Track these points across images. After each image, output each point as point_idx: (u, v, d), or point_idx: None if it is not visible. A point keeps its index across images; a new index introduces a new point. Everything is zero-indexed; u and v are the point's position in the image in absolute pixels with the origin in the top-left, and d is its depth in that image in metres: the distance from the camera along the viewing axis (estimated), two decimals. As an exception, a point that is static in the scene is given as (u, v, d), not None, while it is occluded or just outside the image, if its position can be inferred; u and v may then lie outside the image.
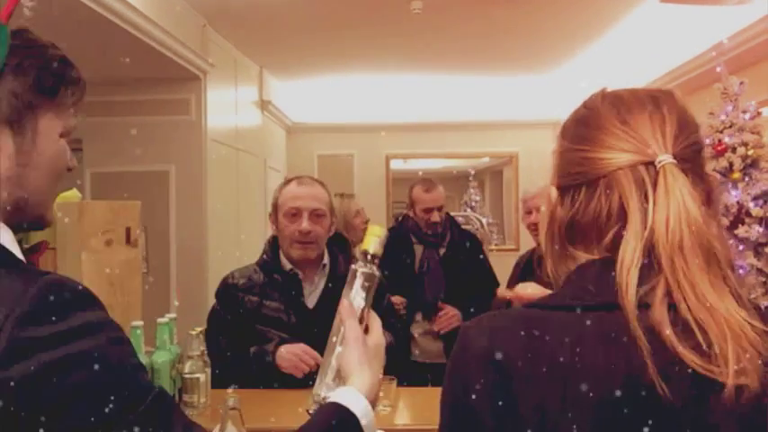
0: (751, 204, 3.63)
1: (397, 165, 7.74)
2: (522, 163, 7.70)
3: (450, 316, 3.37)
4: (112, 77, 4.42)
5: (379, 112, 7.49)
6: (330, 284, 2.29)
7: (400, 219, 3.74)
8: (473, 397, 0.76)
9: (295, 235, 2.25)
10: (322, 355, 2.09)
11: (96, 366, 0.75)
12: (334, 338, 1.03)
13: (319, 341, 2.15)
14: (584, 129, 0.88)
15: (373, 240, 1.06)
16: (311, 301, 2.28)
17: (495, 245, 7.21)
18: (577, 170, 0.85)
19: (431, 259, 3.41)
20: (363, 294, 1.03)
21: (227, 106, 5.48)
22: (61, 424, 0.72)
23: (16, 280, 0.76)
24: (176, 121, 4.91)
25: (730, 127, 3.75)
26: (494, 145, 7.81)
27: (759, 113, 3.82)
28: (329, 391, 0.97)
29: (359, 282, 1.04)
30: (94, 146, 4.76)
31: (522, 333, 0.77)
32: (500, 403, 0.74)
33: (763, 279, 3.59)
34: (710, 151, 3.83)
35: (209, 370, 2.00)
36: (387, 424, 1.87)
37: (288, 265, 2.29)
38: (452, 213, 3.73)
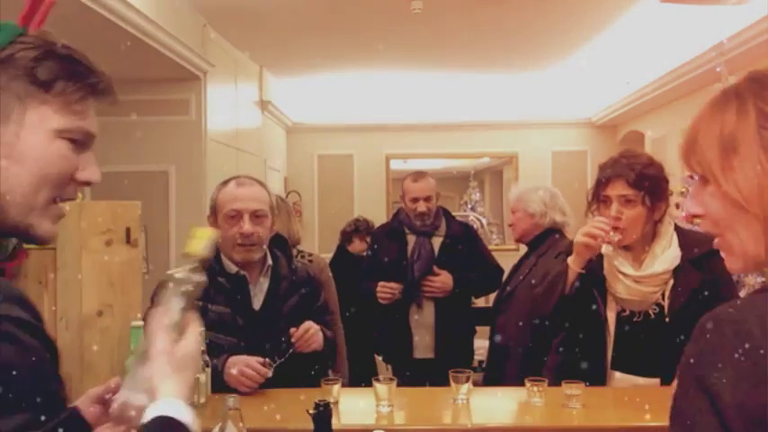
0: (751, 204, 3.62)
1: (397, 165, 7.74)
2: (522, 163, 7.71)
3: (437, 284, 3.39)
4: (112, 77, 4.41)
5: (379, 112, 7.49)
6: (274, 285, 2.28)
7: (395, 211, 3.79)
8: None
9: (237, 237, 2.19)
10: (276, 357, 2.06)
11: (7, 377, 0.70)
12: (146, 347, 0.98)
13: (267, 342, 2.16)
14: None
15: (195, 242, 1.02)
16: (257, 302, 2.25)
17: (496, 245, 7.22)
18: None
19: (422, 247, 3.43)
20: (179, 299, 0.99)
21: (227, 106, 5.48)
22: None
23: None
24: (176, 121, 4.91)
25: (730, 127, 3.75)
26: (494, 145, 7.81)
27: (759, 113, 3.81)
28: (136, 397, 0.94)
29: (174, 287, 0.99)
30: (94, 145, 4.75)
31: None
32: None
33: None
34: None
35: (209, 370, 2.00)
36: (387, 424, 1.87)
37: (233, 268, 2.24)
38: (453, 213, 3.76)
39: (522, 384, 2.04)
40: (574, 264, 2.11)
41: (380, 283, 3.38)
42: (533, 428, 1.94)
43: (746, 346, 0.73)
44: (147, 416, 0.90)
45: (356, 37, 5.47)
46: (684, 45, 5.07)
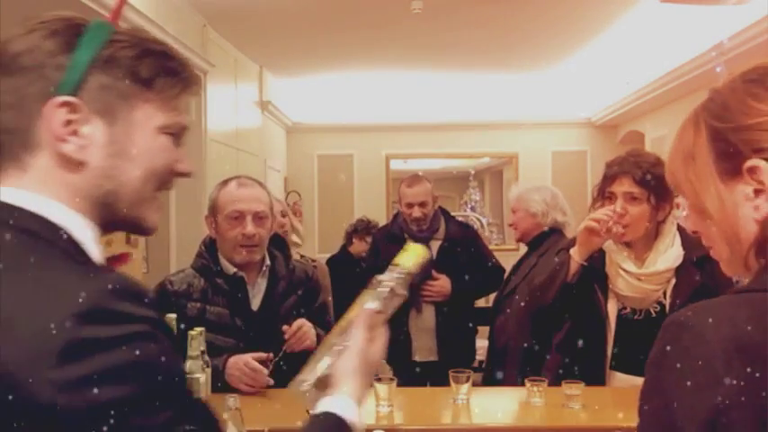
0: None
1: (397, 165, 7.74)
2: (522, 163, 7.71)
3: (435, 289, 3.38)
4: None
5: (379, 112, 7.49)
6: (272, 286, 2.26)
7: (395, 214, 3.78)
8: (718, 394, 0.71)
9: (239, 239, 2.17)
10: (273, 353, 2.07)
11: (154, 375, 0.72)
12: (338, 340, 1.04)
13: (265, 342, 2.15)
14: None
15: (408, 257, 1.10)
16: (255, 303, 2.24)
17: (496, 245, 7.22)
18: None
19: None
20: (380, 304, 1.06)
21: (227, 106, 5.48)
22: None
23: (80, 275, 0.74)
24: (176, 121, 4.91)
25: (730, 127, 3.75)
26: (494, 145, 7.81)
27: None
28: (312, 385, 1.02)
29: (378, 292, 1.07)
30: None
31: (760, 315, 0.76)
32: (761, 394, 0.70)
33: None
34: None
35: (209, 370, 2.00)
36: (387, 424, 1.87)
37: (231, 269, 2.22)
38: (453, 213, 3.75)
39: (522, 384, 2.04)
40: (576, 255, 2.11)
41: None
42: (533, 428, 1.93)
43: (700, 350, 0.74)
44: (320, 407, 0.96)
45: (356, 37, 5.47)
46: (684, 45, 5.07)
